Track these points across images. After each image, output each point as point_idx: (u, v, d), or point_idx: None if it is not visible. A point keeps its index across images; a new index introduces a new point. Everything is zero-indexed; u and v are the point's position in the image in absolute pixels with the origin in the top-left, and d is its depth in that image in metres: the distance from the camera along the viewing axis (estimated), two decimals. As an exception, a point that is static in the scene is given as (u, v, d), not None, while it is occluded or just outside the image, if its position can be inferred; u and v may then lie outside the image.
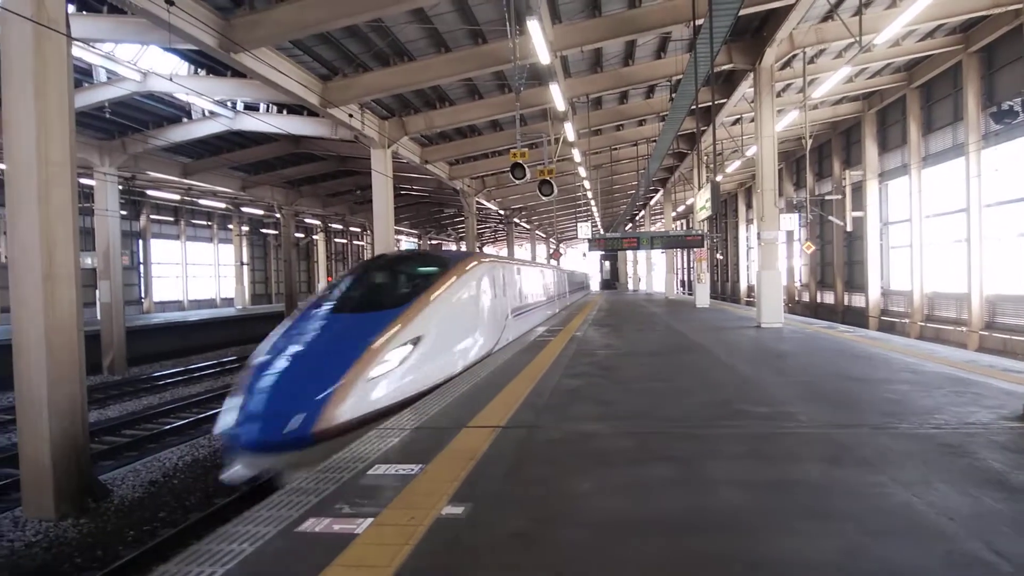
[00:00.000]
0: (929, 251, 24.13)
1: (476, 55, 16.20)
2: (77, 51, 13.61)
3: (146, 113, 21.15)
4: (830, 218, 28.37)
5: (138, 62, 17.00)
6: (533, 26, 11.29)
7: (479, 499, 4.49)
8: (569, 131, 19.75)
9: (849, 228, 27.98)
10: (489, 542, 3.82)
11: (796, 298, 37.84)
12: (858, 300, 29.90)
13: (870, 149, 28.38)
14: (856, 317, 28.55)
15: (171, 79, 16.84)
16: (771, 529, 3.88)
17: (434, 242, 63.08)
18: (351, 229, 59.55)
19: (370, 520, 4.16)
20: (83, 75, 17.22)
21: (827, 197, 30.15)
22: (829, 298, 33.67)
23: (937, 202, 23.56)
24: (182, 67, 17.91)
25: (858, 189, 28.55)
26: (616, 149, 30.67)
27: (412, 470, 5.17)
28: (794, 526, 3.91)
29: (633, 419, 6.89)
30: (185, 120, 22.01)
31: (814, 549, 3.59)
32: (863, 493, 4.43)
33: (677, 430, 6.28)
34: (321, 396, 7.66)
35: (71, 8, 11.55)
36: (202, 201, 37.60)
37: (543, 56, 12.82)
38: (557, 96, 15.85)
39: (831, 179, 32.46)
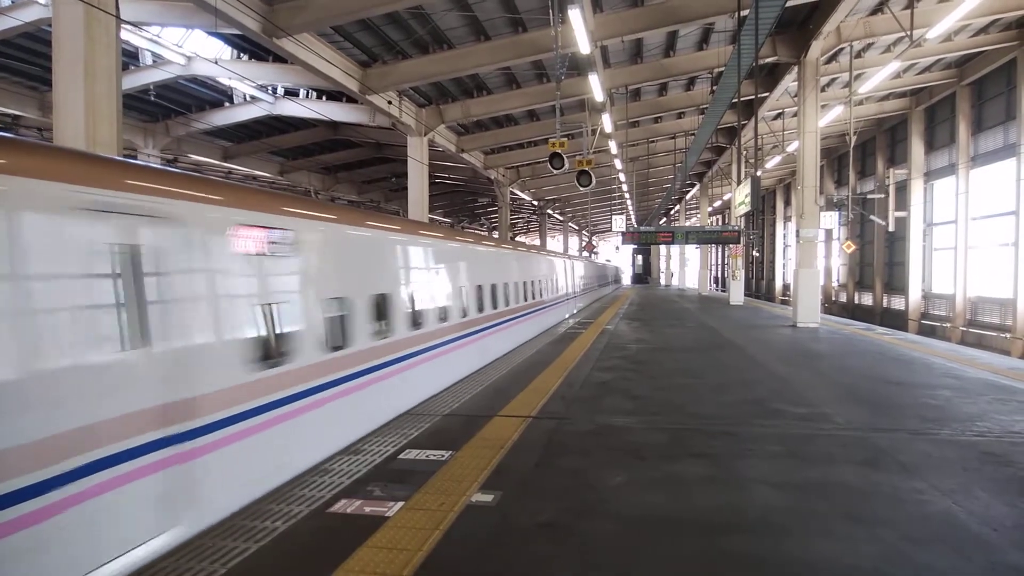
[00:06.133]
0: (974, 254, 23.47)
1: (516, 44, 16.12)
2: (124, 34, 13.85)
3: (189, 97, 21.48)
4: (872, 217, 27.67)
5: (183, 46, 17.27)
6: (574, 15, 11.17)
7: (509, 488, 4.49)
8: (607, 122, 19.57)
9: (891, 228, 27.25)
10: (519, 531, 3.83)
11: (833, 298, 37.13)
12: (897, 302, 29.21)
13: (916, 147, 27.62)
14: (895, 320, 27.90)
15: (216, 62, 17.08)
16: (807, 531, 3.82)
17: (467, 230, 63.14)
18: (385, 216, 59.68)
19: (401, 504, 4.19)
20: (129, 58, 17.53)
21: (869, 196, 29.43)
22: (867, 299, 32.97)
23: (985, 204, 22.88)
24: (225, 52, 18.13)
25: (902, 188, 27.81)
26: (653, 142, 30.32)
27: (443, 456, 5.20)
28: (831, 529, 3.84)
29: (666, 414, 6.83)
30: (227, 104, 22.32)
31: (851, 554, 3.51)
32: (902, 499, 4.33)
33: (711, 427, 6.21)
34: None
35: (120, -9, 11.76)
36: (241, 184, 38.13)
37: (583, 46, 12.69)
38: (596, 87, 15.70)
39: (874, 177, 31.68)
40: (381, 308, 7.19)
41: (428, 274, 9.34)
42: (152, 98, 19.60)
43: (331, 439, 5.69)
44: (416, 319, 8.32)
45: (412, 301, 8.29)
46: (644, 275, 65.10)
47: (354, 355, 6.35)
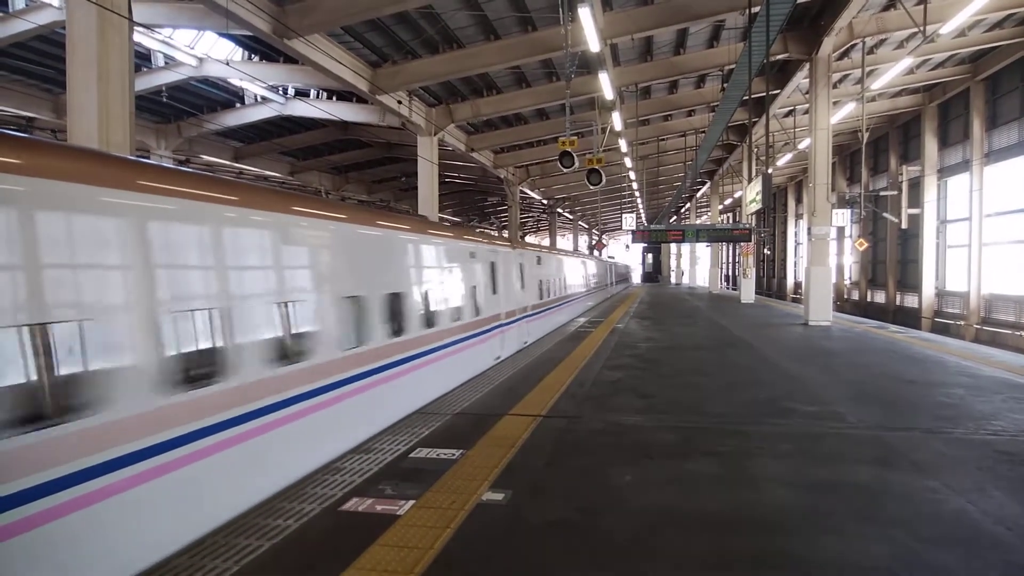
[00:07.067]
0: (989, 251, 23.24)
1: (525, 42, 16.12)
2: (136, 36, 13.95)
3: (201, 98, 21.62)
4: (884, 215, 27.46)
5: (195, 48, 17.39)
6: (584, 13, 11.17)
7: (519, 486, 4.50)
8: (616, 120, 19.52)
9: (904, 225, 27.03)
10: (529, 529, 3.83)
11: (845, 296, 36.87)
12: (910, 300, 28.96)
13: (929, 144, 27.36)
14: (907, 318, 27.65)
15: (227, 64, 17.19)
16: (818, 530, 3.80)
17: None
18: (395, 215, 59.73)
19: (412, 502, 4.21)
20: (142, 60, 17.67)
21: (882, 193, 29.21)
22: (880, 297, 32.72)
23: (999, 200, 22.65)
24: (236, 53, 18.24)
25: (915, 185, 27.59)
26: (663, 140, 30.22)
27: (453, 455, 5.22)
28: (842, 528, 3.82)
29: (676, 413, 6.82)
30: (238, 105, 22.46)
31: (863, 553, 3.49)
32: (914, 498, 4.30)
33: (722, 426, 6.19)
34: None
35: (133, -7, 11.86)
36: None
37: (593, 44, 12.68)
38: (606, 85, 15.67)
39: (887, 174, 31.44)
40: None
41: None
42: (164, 99, 19.78)
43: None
44: None
45: None
46: (654, 273, 64.90)
47: None
